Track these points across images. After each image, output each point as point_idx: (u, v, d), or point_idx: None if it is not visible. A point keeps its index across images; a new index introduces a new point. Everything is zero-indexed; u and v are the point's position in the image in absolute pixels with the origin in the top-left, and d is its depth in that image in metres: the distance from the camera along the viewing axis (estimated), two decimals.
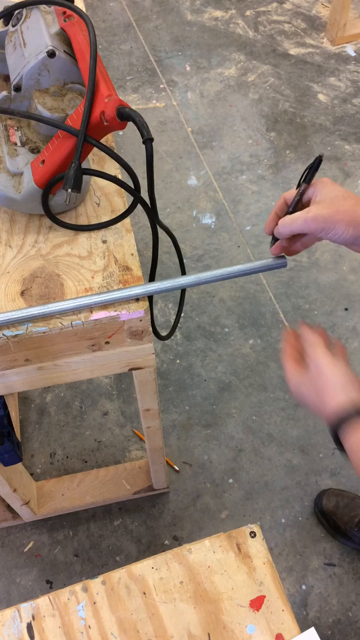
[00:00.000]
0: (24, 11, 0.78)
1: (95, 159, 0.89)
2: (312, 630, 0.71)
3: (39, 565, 1.42)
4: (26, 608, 0.74)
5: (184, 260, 1.00)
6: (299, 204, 0.66)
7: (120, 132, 2.40)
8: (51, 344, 0.72)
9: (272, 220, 0.69)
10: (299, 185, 0.65)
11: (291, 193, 0.66)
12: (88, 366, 0.79)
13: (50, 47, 0.71)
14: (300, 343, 0.69)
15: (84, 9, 1.11)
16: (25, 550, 1.44)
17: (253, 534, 0.79)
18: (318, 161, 0.63)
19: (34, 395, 1.70)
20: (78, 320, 0.70)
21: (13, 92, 0.74)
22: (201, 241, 2.08)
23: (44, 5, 0.77)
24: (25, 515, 1.41)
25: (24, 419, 1.65)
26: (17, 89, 0.73)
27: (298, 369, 0.66)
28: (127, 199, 0.82)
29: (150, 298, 0.75)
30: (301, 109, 2.57)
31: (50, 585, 1.40)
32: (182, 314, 1.88)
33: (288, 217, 0.64)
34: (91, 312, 0.70)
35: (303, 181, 0.65)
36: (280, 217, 0.67)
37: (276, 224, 0.66)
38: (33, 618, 0.73)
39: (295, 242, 0.70)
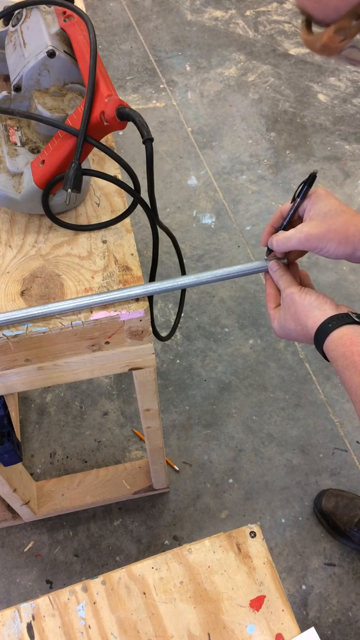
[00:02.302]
0: (24, 11, 0.78)
1: (95, 159, 0.89)
2: (312, 630, 0.71)
3: (39, 565, 1.42)
4: (26, 608, 0.74)
5: (184, 260, 1.01)
6: (294, 217, 0.68)
7: (120, 132, 2.40)
8: (51, 344, 0.72)
9: (267, 233, 0.71)
10: (293, 200, 0.67)
11: (287, 206, 0.68)
12: (88, 366, 0.79)
13: (50, 47, 0.71)
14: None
15: (84, 9, 1.11)
16: (25, 550, 1.44)
17: (253, 534, 0.79)
18: (312, 177, 0.65)
19: (34, 395, 1.70)
20: (78, 320, 0.70)
21: (13, 92, 0.74)
22: (201, 241, 2.08)
23: (44, 5, 0.77)
24: (25, 515, 1.41)
25: (24, 419, 1.65)
26: (17, 89, 0.73)
27: (278, 308, 0.69)
28: (127, 199, 0.82)
29: (150, 298, 0.75)
30: (301, 109, 2.57)
31: (50, 585, 1.40)
32: (182, 314, 1.88)
33: (282, 235, 0.65)
34: (91, 312, 0.70)
35: (297, 196, 0.66)
36: (275, 230, 0.70)
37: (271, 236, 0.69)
38: (33, 618, 0.73)
39: (290, 253, 0.72)
